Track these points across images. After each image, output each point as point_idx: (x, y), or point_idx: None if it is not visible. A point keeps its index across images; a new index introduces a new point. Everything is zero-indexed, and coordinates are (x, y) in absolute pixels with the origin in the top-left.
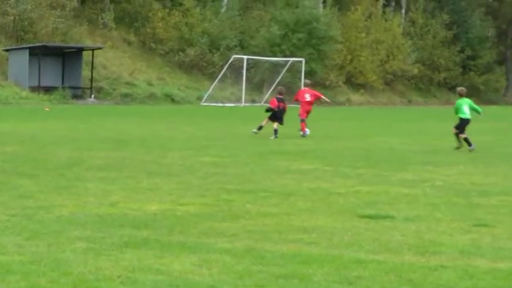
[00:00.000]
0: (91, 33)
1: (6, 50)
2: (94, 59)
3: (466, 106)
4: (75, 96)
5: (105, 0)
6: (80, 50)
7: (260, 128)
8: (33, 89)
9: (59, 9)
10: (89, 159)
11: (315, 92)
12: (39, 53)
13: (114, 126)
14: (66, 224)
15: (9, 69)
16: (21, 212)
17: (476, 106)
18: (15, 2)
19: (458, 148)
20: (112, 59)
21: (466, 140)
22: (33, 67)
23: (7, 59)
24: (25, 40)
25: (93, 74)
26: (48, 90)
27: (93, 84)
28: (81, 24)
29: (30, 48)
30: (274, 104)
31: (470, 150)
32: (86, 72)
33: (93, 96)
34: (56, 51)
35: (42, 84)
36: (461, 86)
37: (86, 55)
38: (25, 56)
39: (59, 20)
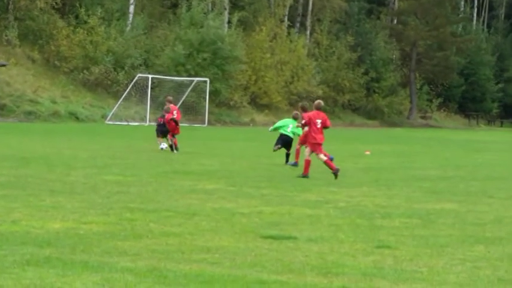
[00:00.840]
0: None
1: None
2: None
3: (291, 125)
4: None
5: (9, 17)
6: None
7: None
8: None
9: None
10: None
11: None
12: None
13: (17, 144)
14: None
15: None
16: None
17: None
18: None
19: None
20: (16, 76)
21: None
22: None
23: None
24: None
25: None
26: None
27: None
28: None
29: None
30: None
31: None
32: None
33: None
34: None
35: None
36: (365, 108)
37: None
38: None
39: None
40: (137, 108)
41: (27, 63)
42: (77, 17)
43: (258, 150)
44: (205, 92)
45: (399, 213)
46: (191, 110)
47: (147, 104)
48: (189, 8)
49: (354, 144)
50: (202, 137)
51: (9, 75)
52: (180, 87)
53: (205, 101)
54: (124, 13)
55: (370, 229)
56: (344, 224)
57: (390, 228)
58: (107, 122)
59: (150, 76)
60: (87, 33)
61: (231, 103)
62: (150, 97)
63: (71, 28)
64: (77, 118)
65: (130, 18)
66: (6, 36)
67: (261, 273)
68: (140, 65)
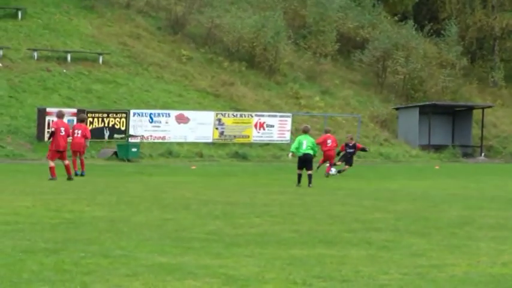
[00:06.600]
0: (480, 91)
1: (396, 109)
2: (484, 118)
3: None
4: (465, 155)
5: (495, 59)
6: (469, 109)
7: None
8: (423, 147)
9: (448, 68)
10: (480, 218)
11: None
12: (429, 111)
13: (504, 185)
14: (459, 284)
15: (399, 127)
16: (414, 270)
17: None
18: (405, 62)
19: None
20: (502, 117)
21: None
22: (423, 126)
23: (397, 118)
24: (414, 99)
25: (483, 133)
26: (438, 148)
27: (483, 143)
28: (470, 82)
29: (420, 106)
30: (343, 148)
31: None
32: (475, 131)
33: (483, 154)
34: (445, 110)
35: (432, 142)
36: None
37: (476, 114)
38: (415, 114)
39: (449, 78)
40: None
41: None
42: None
43: None
44: None
45: None
46: None
47: None
48: None
49: None
50: None
51: (495, 117)
52: None
53: None
54: None
55: None
56: None
57: None
58: None
59: None
60: None
61: None
62: None
63: None
64: None
65: None
66: (492, 77)
67: None
68: None
